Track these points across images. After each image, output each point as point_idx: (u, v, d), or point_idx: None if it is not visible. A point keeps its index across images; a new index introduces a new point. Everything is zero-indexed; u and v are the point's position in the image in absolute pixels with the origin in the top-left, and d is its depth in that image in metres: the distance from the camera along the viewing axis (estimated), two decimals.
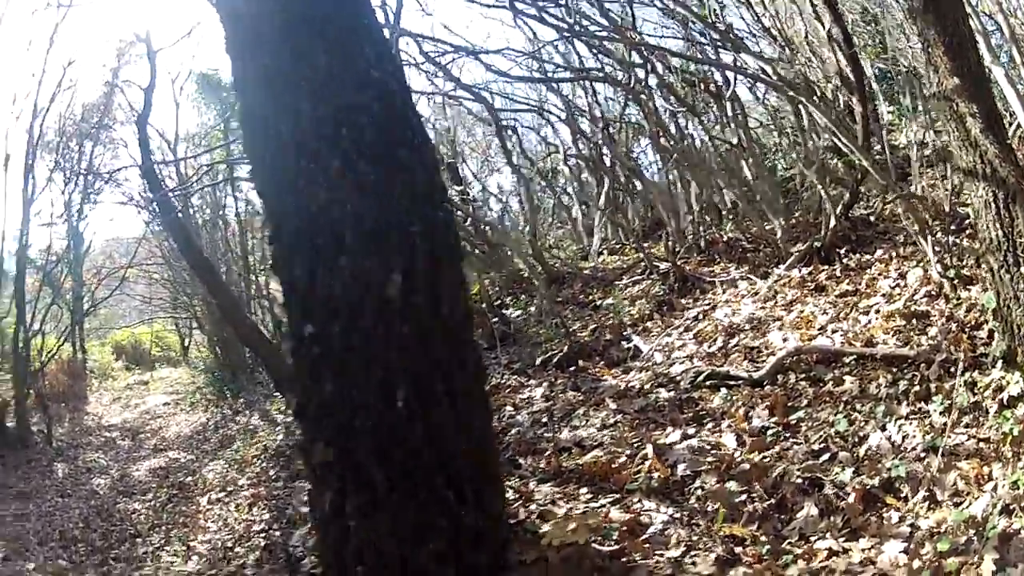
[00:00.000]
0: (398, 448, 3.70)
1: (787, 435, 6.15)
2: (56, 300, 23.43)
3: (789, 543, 4.87)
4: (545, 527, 4.95)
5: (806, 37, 12.98)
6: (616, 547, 4.79)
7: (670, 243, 13.00)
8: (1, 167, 20.59)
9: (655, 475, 5.85)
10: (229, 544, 10.45)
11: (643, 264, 13.38)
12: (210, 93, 25.50)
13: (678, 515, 5.26)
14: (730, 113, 13.37)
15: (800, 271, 9.85)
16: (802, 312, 8.64)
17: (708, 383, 7.59)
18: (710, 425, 6.72)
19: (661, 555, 4.70)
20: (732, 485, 5.49)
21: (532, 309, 13.38)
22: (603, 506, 5.53)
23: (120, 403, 26.10)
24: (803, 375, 7.12)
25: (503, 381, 10.53)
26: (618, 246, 16.67)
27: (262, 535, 10.20)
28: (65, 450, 19.58)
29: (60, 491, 16.02)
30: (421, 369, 3.76)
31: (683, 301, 10.74)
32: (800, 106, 12.06)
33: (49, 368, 22.91)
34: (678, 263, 11.95)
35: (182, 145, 25.51)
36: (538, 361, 10.95)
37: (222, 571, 9.28)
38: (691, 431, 6.65)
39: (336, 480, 3.76)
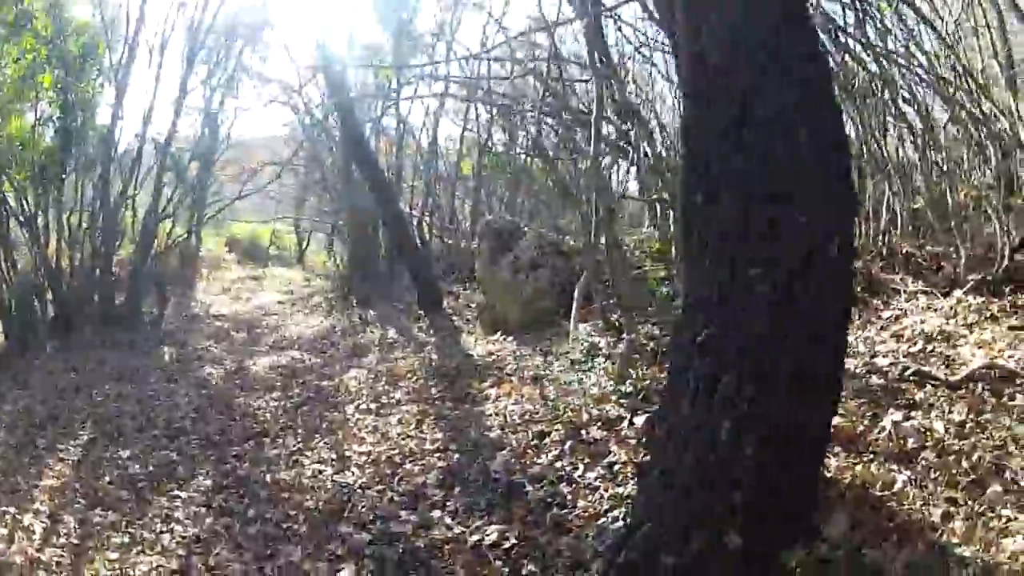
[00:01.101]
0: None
1: (978, 431, 6.72)
2: (185, 188, 23.12)
3: (984, 509, 5.67)
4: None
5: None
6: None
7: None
8: (156, 53, 19.99)
9: (891, 444, 6.68)
10: (396, 460, 8.98)
11: None
12: (383, 9, 23.96)
13: (912, 478, 6.10)
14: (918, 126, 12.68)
15: (975, 298, 10.04)
16: (981, 335, 8.94)
17: (912, 378, 8.07)
18: (919, 413, 7.26)
19: (902, 506, 5.76)
20: (949, 459, 6.29)
21: None
22: (855, 464, 6.44)
23: (230, 295, 25.03)
24: (988, 387, 7.59)
25: None
26: None
27: (437, 455, 8.90)
28: (174, 333, 18.39)
29: (166, 375, 14.66)
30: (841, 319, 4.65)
31: (875, 301, 10.83)
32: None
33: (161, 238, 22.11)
34: (868, 265, 11.90)
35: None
36: None
37: (395, 488, 8.24)
38: (910, 415, 7.24)
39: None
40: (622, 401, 8.65)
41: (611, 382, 9.14)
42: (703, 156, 4.51)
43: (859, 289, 10.93)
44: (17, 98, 16.85)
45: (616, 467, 7.33)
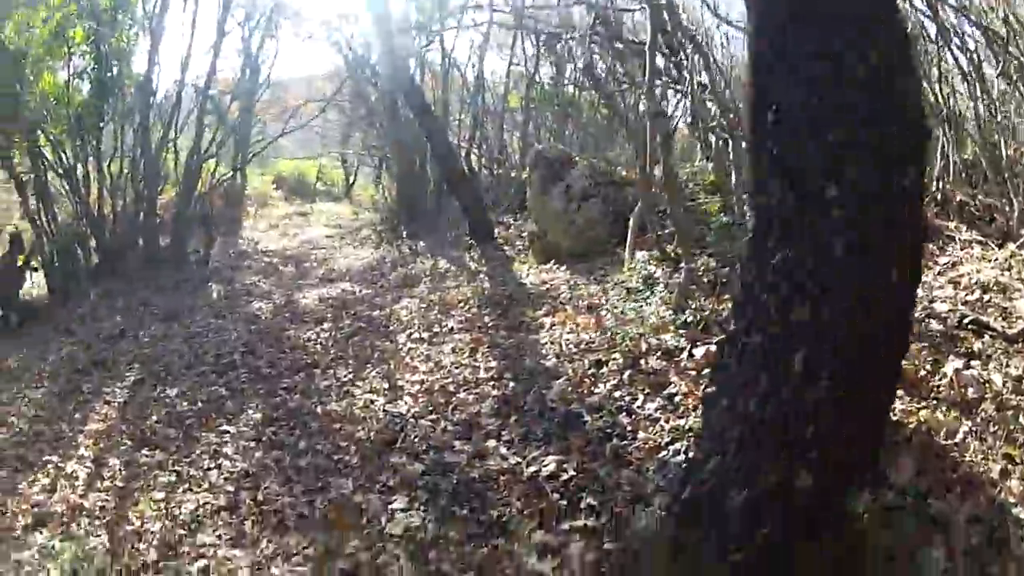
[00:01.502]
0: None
1: None
2: (227, 129, 22.76)
3: None
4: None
5: None
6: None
7: None
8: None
9: (953, 392, 6.63)
10: (450, 389, 8.77)
11: None
12: None
13: (972, 428, 6.07)
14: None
15: None
16: None
17: (970, 327, 8.01)
18: (978, 363, 7.15)
19: (964, 457, 5.75)
20: (1007, 414, 6.26)
21: None
22: (919, 409, 6.43)
23: (278, 231, 24.92)
24: None
25: None
26: None
27: (491, 383, 8.66)
28: (221, 271, 18.32)
29: (214, 312, 14.56)
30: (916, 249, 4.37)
31: (930, 247, 10.32)
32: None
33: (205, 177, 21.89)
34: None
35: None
36: None
37: (449, 417, 8.07)
38: (969, 364, 7.14)
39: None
40: (681, 331, 8.43)
41: (669, 311, 8.93)
42: (771, 74, 4.28)
43: None
44: (48, 55, 16.78)
45: (677, 399, 7.13)
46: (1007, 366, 7.10)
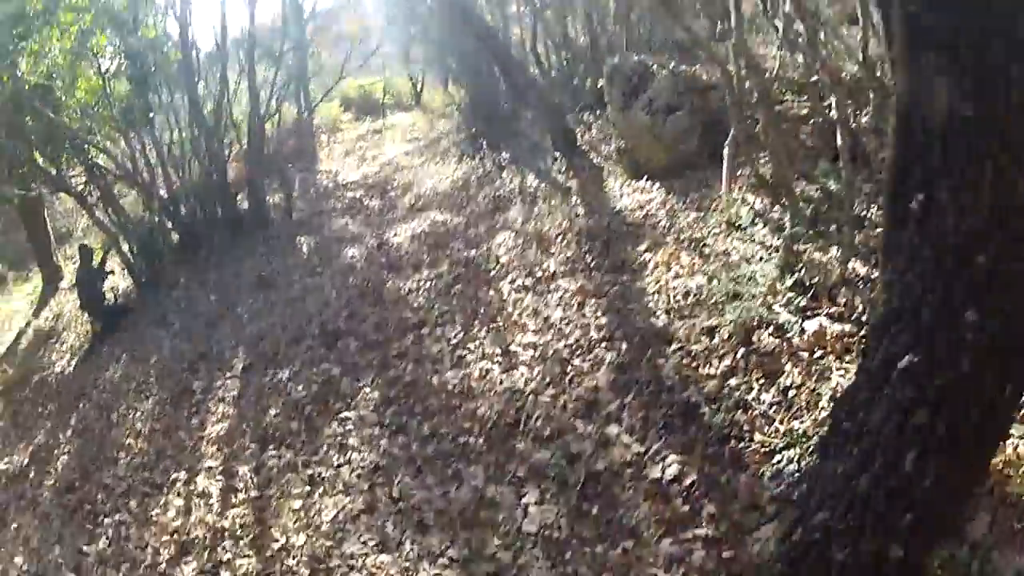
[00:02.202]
0: None
1: None
2: (287, 73, 22.48)
3: None
4: None
5: None
6: None
7: None
8: None
9: None
10: (564, 355, 8.75)
11: None
12: None
13: None
14: None
15: None
16: None
17: None
18: None
19: None
20: None
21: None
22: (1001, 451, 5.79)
23: (355, 156, 24.91)
24: None
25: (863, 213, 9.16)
26: None
27: (604, 345, 8.61)
28: (307, 221, 18.43)
29: (308, 270, 14.81)
30: None
31: None
32: None
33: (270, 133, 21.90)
34: None
35: None
36: None
37: (568, 392, 8.11)
38: None
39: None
40: (789, 296, 8.14)
41: (776, 269, 8.58)
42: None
43: None
44: (75, 69, 16.89)
45: (791, 393, 6.99)
46: None
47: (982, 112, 3.53)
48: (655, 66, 13.73)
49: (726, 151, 10.85)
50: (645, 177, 12.85)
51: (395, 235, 14.99)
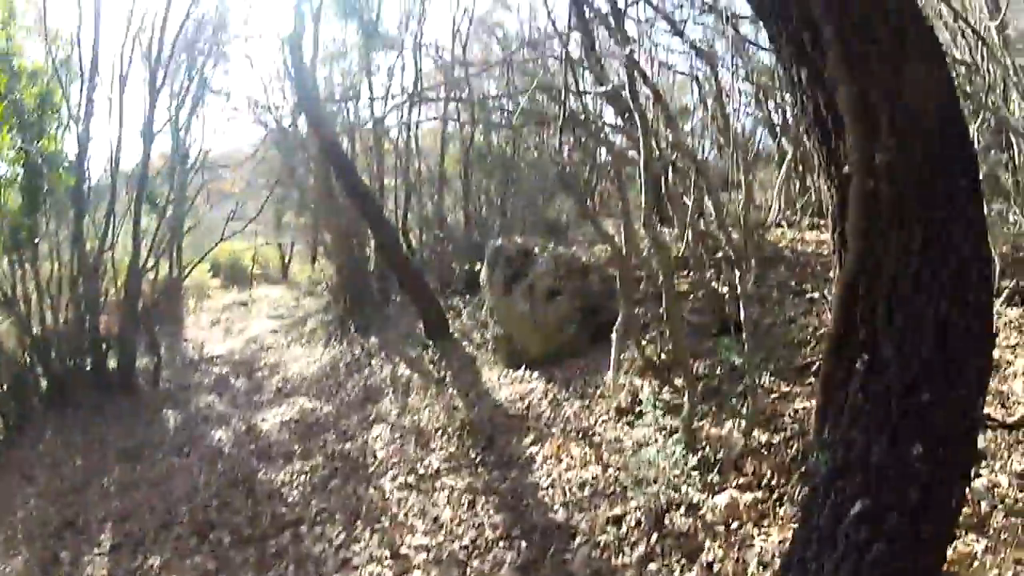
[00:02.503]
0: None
1: None
2: (165, 226, 22.13)
3: None
4: None
5: None
6: None
7: None
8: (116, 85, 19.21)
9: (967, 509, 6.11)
10: (460, 557, 8.25)
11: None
12: (347, 6, 22.59)
13: (988, 545, 5.78)
14: None
15: (1012, 309, 9.49)
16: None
17: None
18: (985, 466, 6.75)
19: None
20: (1015, 521, 5.94)
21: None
22: None
23: (221, 327, 24.41)
24: None
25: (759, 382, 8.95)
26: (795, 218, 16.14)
27: (503, 545, 8.17)
28: (173, 393, 17.67)
29: (175, 448, 14.02)
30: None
31: None
32: None
33: (144, 289, 20.93)
34: None
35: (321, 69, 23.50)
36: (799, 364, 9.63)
37: None
38: (978, 471, 6.69)
39: None
40: (695, 474, 7.87)
41: (678, 449, 8.31)
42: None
43: None
44: None
45: (716, 567, 6.65)
46: (1010, 462, 6.87)
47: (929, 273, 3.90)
48: (535, 248, 13.55)
49: (615, 335, 10.55)
50: (524, 367, 12.53)
51: (263, 420, 14.37)
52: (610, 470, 8.54)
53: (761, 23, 5.20)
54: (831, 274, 11.78)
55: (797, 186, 17.36)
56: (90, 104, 17.82)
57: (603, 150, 15.30)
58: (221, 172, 28.25)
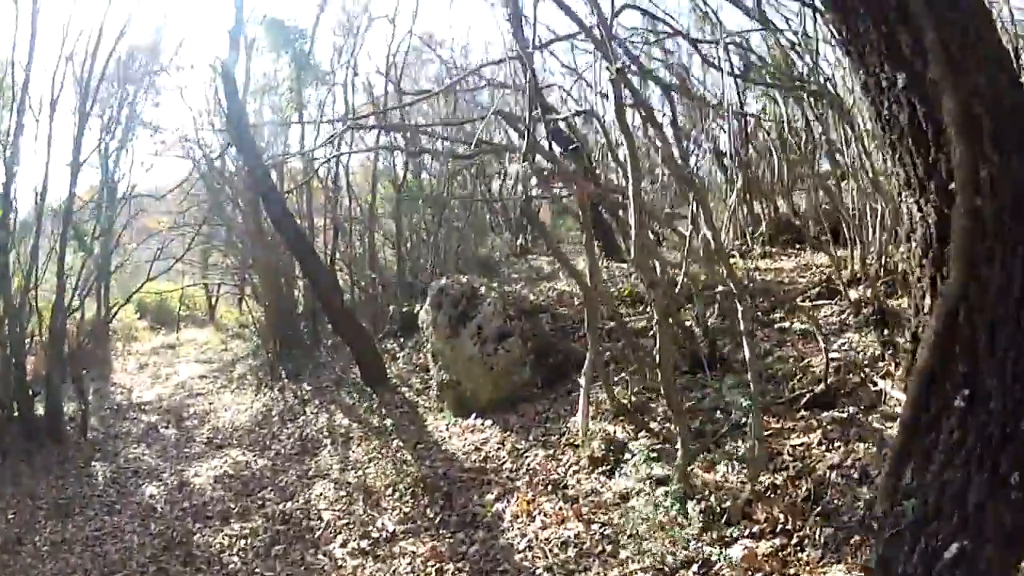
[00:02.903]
0: None
1: None
2: (92, 265, 20.65)
3: None
4: None
5: None
6: None
7: (864, 262, 11.63)
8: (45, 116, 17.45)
9: None
10: None
11: (824, 285, 11.92)
12: (280, 39, 21.15)
13: None
14: None
15: None
16: None
17: None
18: None
19: None
20: None
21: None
22: None
23: (149, 372, 22.71)
24: None
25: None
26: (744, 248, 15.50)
27: None
28: (102, 443, 16.10)
29: (106, 505, 12.67)
30: None
31: (903, 343, 8.54)
32: None
33: (70, 330, 19.39)
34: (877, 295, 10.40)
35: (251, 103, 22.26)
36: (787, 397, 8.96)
37: None
38: None
39: None
40: (697, 525, 6.99)
41: (670, 496, 7.48)
42: None
43: (869, 327, 9.95)
44: None
45: None
46: None
47: None
48: (481, 288, 12.63)
49: (583, 379, 9.80)
50: (475, 414, 11.67)
51: (196, 474, 13.17)
52: (594, 527, 7.61)
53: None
54: (803, 302, 11.53)
55: (745, 213, 16.60)
56: (19, 128, 16.28)
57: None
58: (148, 208, 26.88)
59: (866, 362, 9.16)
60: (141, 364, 23.67)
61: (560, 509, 8.20)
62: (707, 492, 7.29)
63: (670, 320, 9.66)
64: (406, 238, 20.63)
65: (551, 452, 9.66)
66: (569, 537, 7.61)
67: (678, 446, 7.75)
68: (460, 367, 12.31)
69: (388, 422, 12.86)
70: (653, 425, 9.18)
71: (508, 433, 10.67)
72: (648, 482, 7.94)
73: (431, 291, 13.24)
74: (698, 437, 8.46)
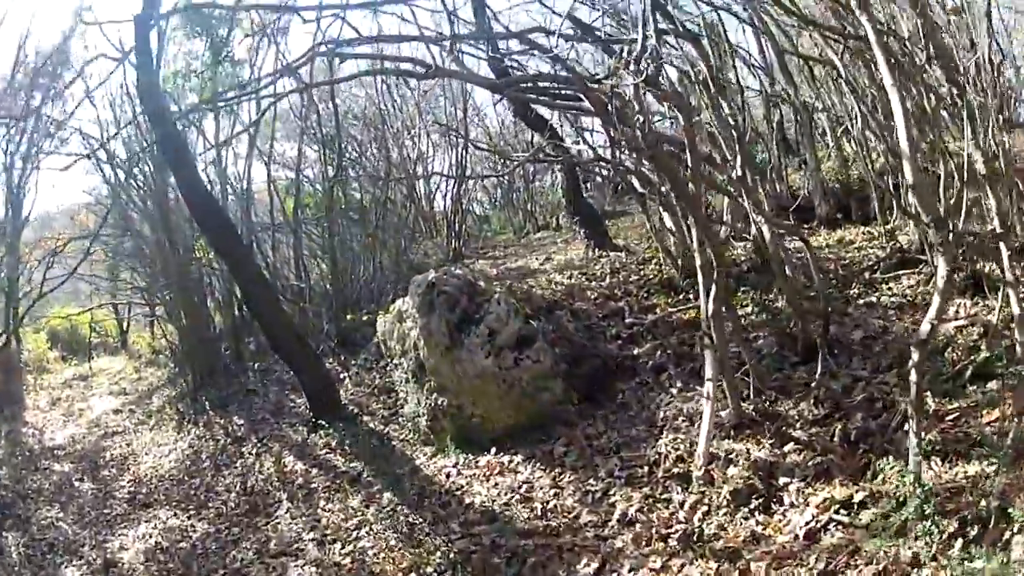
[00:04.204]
0: None
1: None
2: None
3: None
4: None
5: None
6: None
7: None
8: None
9: None
10: None
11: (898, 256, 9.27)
12: (199, 25, 16.52)
13: None
14: None
15: None
16: None
17: None
18: None
19: None
20: None
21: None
22: None
23: (61, 408, 17.97)
24: None
25: None
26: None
27: None
28: (11, 503, 11.66)
29: None
30: None
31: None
32: None
33: None
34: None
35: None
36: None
37: None
38: None
39: None
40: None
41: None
42: None
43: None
44: None
45: None
46: None
47: None
48: (480, 282, 9.17)
49: (708, 385, 6.69)
50: (492, 448, 8.07)
51: (122, 548, 9.15)
52: None
53: None
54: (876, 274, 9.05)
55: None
56: None
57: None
58: (56, 227, 22.90)
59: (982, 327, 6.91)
60: (53, 400, 18.96)
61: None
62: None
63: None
64: (337, 247, 16.52)
65: (647, 491, 6.39)
66: None
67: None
68: (465, 387, 8.53)
69: (359, 465, 8.95)
70: (796, 433, 6.32)
71: (557, 471, 7.20)
72: (843, 513, 5.37)
73: (415, 288, 9.29)
74: (865, 437, 6.03)
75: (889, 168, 9.77)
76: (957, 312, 7.43)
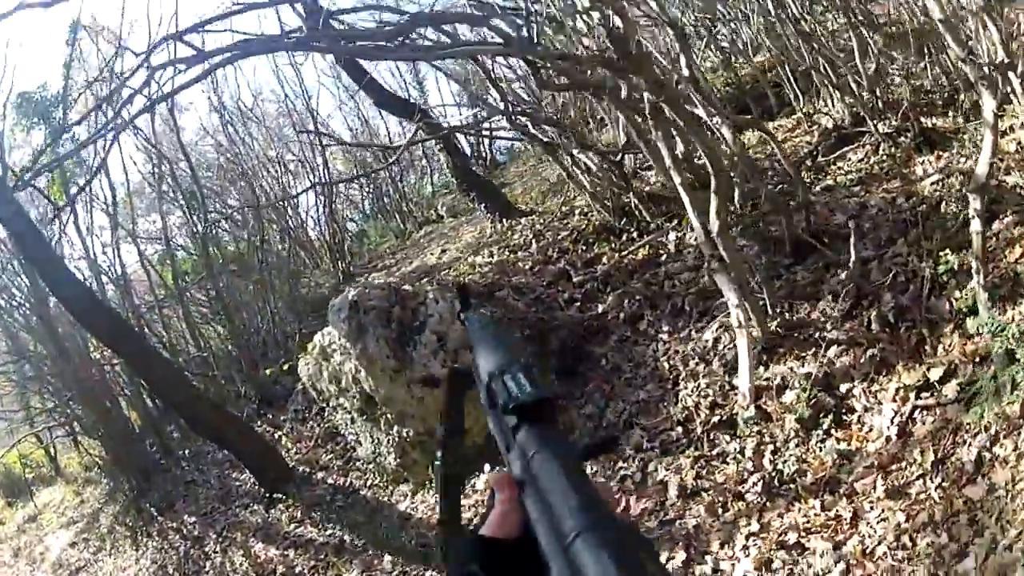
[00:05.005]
0: None
1: None
2: None
3: None
4: None
5: None
6: None
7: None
8: None
9: None
10: None
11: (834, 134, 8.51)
12: (35, 115, 14.96)
13: None
14: None
15: None
16: None
17: None
18: None
19: None
20: None
21: None
22: None
23: (24, 557, 15.96)
24: None
25: None
26: None
27: None
28: None
29: None
30: None
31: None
32: None
33: None
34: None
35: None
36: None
37: None
38: None
39: None
40: None
41: None
42: None
43: None
44: None
45: None
46: None
47: None
48: (405, 286, 7.84)
49: (736, 312, 5.68)
50: (487, 465, 6.44)
51: None
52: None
53: None
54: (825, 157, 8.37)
55: None
56: None
57: None
58: None
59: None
60: (15, 550, 16.96)
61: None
62: None
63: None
64: (227, 303, 14.67)
65: (691, 453, 5.28)
66: None
67: None
68: (429, 407, 6.86)
69: (336, 531, 7.12)
70: (833, 334, 5.48)
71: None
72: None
73: (336, 315, 7.45)
74: (903, 314, 5.35)
75: (784, 61, 9.36)
76: (925, 170, 6.84)
